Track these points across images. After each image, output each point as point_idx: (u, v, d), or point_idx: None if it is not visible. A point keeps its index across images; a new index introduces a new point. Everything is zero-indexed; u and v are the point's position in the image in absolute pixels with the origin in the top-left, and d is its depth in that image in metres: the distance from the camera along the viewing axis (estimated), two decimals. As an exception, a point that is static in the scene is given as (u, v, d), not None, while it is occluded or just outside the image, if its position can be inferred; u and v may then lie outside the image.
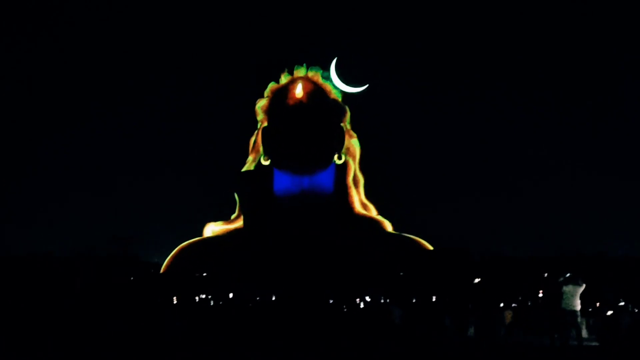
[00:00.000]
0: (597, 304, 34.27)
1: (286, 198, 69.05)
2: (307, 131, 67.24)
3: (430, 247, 64.15)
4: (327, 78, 70.92)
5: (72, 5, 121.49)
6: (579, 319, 27.54)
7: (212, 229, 69.42)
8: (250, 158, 71.15)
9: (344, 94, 71.59)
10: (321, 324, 32.95)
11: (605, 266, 53.90)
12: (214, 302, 41.23)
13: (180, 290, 46.00)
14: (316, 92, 69.99)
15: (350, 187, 69.16)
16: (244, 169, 70.90)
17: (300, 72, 71.33)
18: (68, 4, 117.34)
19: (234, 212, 70.50)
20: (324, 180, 69.24)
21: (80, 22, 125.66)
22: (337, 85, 70.85)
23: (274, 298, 41.65)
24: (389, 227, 67.70)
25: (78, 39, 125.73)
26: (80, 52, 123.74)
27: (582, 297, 27.58)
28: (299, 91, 69.56)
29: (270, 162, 69.53)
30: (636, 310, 31.00)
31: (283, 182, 69.62)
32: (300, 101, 69.34)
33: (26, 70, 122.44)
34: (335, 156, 68.77)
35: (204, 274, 58.78)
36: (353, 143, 70.71)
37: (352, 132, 71.06)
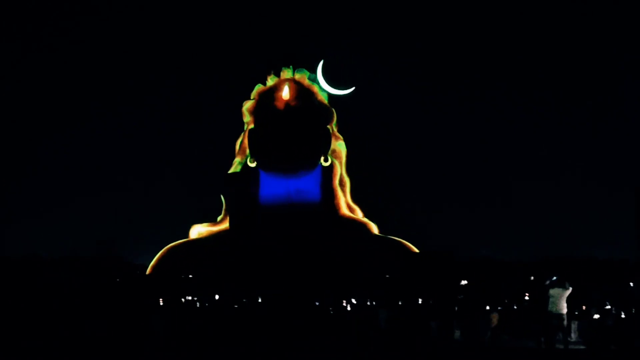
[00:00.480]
0: (584, 307, 34.29)
1: (272, 200, 69.03)
2: (294, 133, 67.18)
3: (416, 250, 64.19)
4: (314, 80, 70.94)
5: (72, 5, 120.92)
6: (565, 322, 27.64)
7: (198, 231, 69.24)
8: (237, 160, 71.00)
9: (330, 96, 71.59)
10: (307, 326, 32.95)
11: (592, 269, 54.03)
12: (200, 304, 41.16)
13: (166, 291, 45.87)
14: (303, 94, 69.93)
15: (336, 189, 69.11)
16: (230, 171, 70.77)
17: (286, 73, 71.28)
18: (68, 4, 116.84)
19: (220, 214, 70.36)
20: (310, 182, 69.19)
21: (81, 21, 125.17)
22: (323, 87, 70.83)
23: (260, 300, 41.58)
24: (375, 229, 67.65)
25: (78, 38, 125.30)
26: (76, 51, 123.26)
27: (568, 300, 27.66)
28: (285, 93, 69.51)
29: (257, 164, 69.45)
30: (623, 314, 31.03)
31: (269, 184, 69.57)
32: (286, 103, 69.35)
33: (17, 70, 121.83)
34: (322, 158, 68.73)
35: (190, 276, 58.67)
36: (339, 145, 70.65)
37: (338, 134, 71.04)
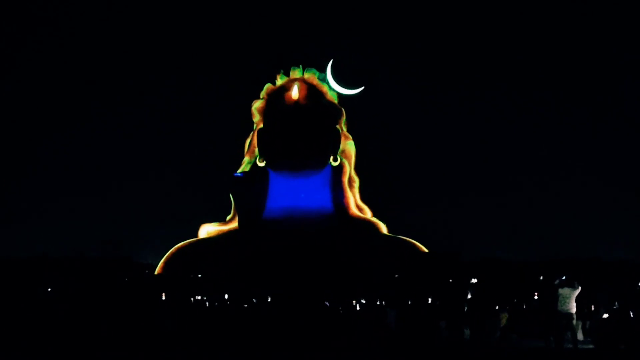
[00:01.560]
0: (592, 307, 34.26)
1: (281, 199, 69.20)
2: (303, 133, 67.33)
3: (425, 250, 64.16)
4: (323, 79, 71.02)
5: (72, 5, 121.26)
6: (574, 322, 27.62)
7: (207, 230, 69.33)
8: (246, 159, 71.13)
9: (340, 95, 71.66)
10: (317, 326, 32.96)
11: (600, 269, 53.99)
12: (209, 304, 41.20)
13: (175, 291, 45.93)
14: (312, 94, 70.08)
15: (345, 189, 69.14)
16: (239, 171, 70.84)
17: (296, 73, 71.43)
18: (68, 4, 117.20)
19: (229, 214, 70.41)
20: (320, 182, 69.30)
21: (80, 21, 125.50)
22: (333, 86, 70.93)
23: (269, 299, 41.61)
24: (384, 229, 67.66)
25: (77, 38, 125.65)
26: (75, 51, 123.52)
27: (577, 300, 27.63)
28: (295, 93, 69.66)
29: (266, 163, 69.55)
30: (631, 314, 30.98)
31: (278, 183, 69.68)
32: (296, 103, 69.43)
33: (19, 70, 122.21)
34: (331, 158, 68.84)
35: (199, 275, 58.72)
36: (348, 145, 70.75)
37: (347, 134, 71.11)
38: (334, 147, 69.09)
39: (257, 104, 70.88)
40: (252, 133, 71.35)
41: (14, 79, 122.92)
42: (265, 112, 70.34)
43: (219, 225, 69.69)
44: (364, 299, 42.52)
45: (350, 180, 69.99)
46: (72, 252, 67.43)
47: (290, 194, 69.19)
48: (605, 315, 30.92)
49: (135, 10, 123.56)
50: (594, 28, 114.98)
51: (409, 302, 37.51)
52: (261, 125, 70.30)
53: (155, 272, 64.16)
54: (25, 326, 31.42)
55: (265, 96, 70.96)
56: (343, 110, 71.09)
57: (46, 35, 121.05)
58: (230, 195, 69.42)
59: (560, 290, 27.38)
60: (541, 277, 50.42)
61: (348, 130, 71.40)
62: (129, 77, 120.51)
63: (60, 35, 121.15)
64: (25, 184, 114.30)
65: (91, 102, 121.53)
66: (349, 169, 70.14)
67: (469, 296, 36.23)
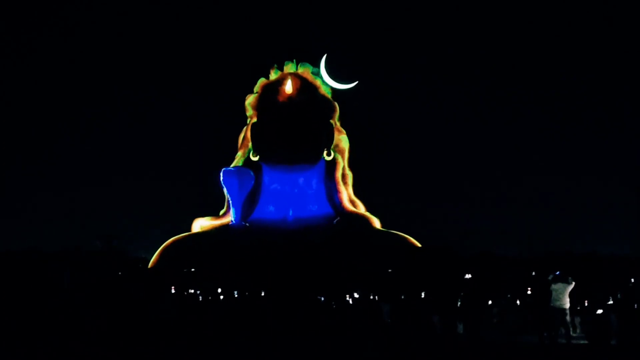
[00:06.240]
0: (586, 302, 34.27)
1: (274, 194, 69.18)
2: (297, 127, 67.29)
3: (419, 244, 64.04)
4: (317, 74, 70.97)
5: (72, 5, 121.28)
6: (568, 317, 27.61)
7: (200, 224, 69.11)
8: (239, 154, 71.00)
9: (333, 90, 71.59)
10: (310, 320, 32.94)
11: (594, 264, 54.04)
12: (202, 297, 41.16)
13: (168, 285, 45.83)
14: (306, 88, 70.02)
15: (339, 183, 69.07)
16: (232, 165, 70.66)
17: (290, 68, 71.36)
18: (68, 4, 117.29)
19: (223, 208, 70.26)
20: (313, 176, 69.29)
21: (79, 20, 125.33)
22: (326, 81, 70.87)
23: (262, 294, 41.55)
24: (377, 224, 67.54)
25: (74, 37, 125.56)
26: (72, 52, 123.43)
27: (571, 295, 27.64)
28: (288, 87, 69.61)
29: (259, 158, 69.49)
30: (624, 310, 30.98)
31: (272, 177, 69.64)
32: (289, 97, 69.40)
33: (20, 69, 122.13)
34: (325, 152, 68.78)
35: (193, 269, 58.62)
36: (342, 139, 70.65)
37: (341, 129, 71.02)
38: (327, 141, 69.04)
39: (250, 99, 70.81)
40: (245, 127, 71.27)
41: (10, 75, 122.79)
42: (258, 107, 70.27)
43: (213, 220, 69.51)
44: (358, 294, 42.49)
45: (343, 174, 69.93)
46: (65, 246, 67.37)
47: (284, 188, 69.24)
48: (600, 311, 30.94)
49: (134, 8, 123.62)
50: (594, 28, 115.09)
51: (403, 297, 37.52)
52: (255, 120, 70.23)
53: (149, 266, 63.99)
54: (19, 320, 31.37)
55: (259, 90, 70.90)
56: (337, 104, 71.03)
57: (45, 35, 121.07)
58: (224, 190, 69.19)
59: (554, 286, 27.41)
60: (534, 273, 50.47)
61: (341, 125, 71.31)
62: (122, 74, 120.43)
63: (58, 34, 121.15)
64: (19, 178, 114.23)
65: (86, 98, 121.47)
66: (343, 164, 70.08)
67: (462, 291, 36.22)
